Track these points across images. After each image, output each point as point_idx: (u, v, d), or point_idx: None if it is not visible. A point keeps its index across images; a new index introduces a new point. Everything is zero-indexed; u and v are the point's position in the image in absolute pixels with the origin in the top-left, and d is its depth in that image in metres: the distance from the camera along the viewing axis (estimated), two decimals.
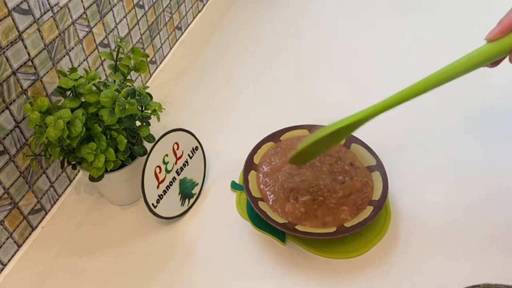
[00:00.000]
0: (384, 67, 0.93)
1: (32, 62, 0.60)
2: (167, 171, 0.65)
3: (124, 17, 0.78)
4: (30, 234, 0.65)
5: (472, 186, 0.68)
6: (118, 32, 0.78)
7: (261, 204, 0.63)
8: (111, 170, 0.62)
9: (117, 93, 0.59)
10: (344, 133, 0.55)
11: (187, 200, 0.68)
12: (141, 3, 0.83)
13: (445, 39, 0.98)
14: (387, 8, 1.11)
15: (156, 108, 0.64)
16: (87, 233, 0.67)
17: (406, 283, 0.58)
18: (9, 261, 0.62)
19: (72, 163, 0.64)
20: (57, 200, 0.70)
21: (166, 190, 0.65)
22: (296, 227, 0.60)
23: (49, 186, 0.68)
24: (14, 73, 0.57)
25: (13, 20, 0.55)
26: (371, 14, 1.10)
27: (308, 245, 0.62)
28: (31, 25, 0.58)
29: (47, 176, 0.67)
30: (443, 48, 0.93)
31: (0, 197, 0.58)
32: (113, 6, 0.75)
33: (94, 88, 0.60)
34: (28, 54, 0.59)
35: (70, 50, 0.66)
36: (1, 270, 0.61)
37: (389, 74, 0.91)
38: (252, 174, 0.68)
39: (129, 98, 0.59)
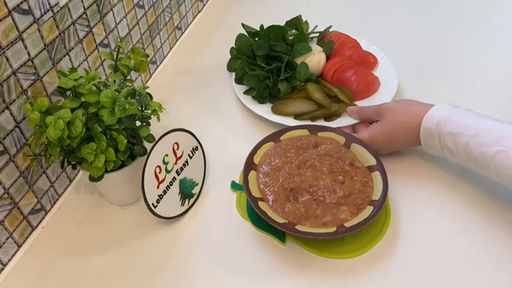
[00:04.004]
0: None
1: (32, 62, 0.60)
2: (167, 171, 0.65)
3: (124, 17, 0.78)
4: (30, 234, 0.65)
5: (472, 185, 0.68)
6: (118, 32, 0.78)
7: (261, 204, 0.63)
8: (111, 170, 0.62)
9: (117, 93, 0.59)
10: None
11: (187, 200, 0.68)
12: (141, 3, 0.83)
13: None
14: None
15: (156, 108, 0.64)
16: (87, 233, 0.67)
17: (406, 283, 0.58)
18: (9, 261, 0.62)
19: (72, 163, 0.64)
20: (57, 200, 0.70)
21: (166, 190, 0.65)
22: (296, 227, 0.60)
23: (49, 186, 0.68)
24: (14, 73, 0.57)
25: (13, 20, 0.55)
26: (368, 14, 1.10)
27: (308, 245, 0.62)
28: (31, 25, 0.58)
29: (47, 176, 0.67)
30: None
31: (0, 197, 0.59)
32: (113, 6, 0.75)
33: (94, 88, 0.60)
34: (28, 54, 0.59)
35: (70, 50, 0.66)
36: (1, 270, 0.61)
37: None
38: (252, 174, 0.68)
39: (129, 98, 0.59)
